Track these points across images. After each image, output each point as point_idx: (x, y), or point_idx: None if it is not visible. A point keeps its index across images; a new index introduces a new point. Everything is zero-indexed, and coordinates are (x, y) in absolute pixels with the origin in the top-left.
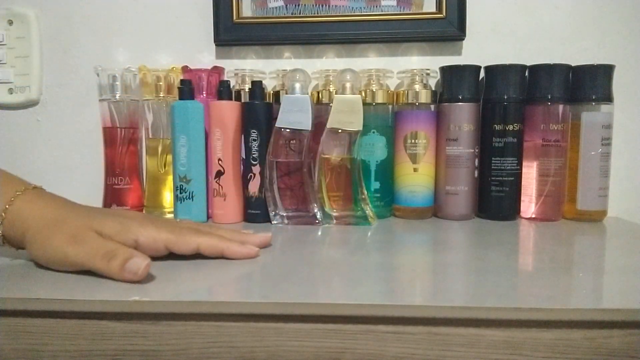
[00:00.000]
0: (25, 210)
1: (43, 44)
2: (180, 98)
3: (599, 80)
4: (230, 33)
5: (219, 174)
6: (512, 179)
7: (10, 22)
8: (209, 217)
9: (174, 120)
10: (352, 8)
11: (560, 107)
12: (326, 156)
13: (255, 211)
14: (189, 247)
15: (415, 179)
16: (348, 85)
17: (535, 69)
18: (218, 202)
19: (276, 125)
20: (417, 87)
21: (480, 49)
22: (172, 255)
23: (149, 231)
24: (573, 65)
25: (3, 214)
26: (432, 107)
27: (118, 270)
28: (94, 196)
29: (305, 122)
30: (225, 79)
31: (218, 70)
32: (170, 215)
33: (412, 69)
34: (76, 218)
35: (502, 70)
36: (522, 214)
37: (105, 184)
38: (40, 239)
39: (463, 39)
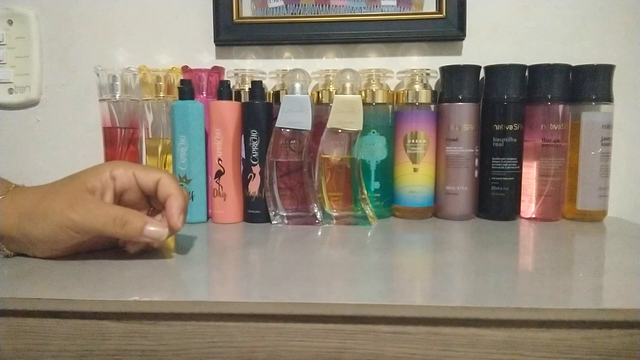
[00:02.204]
0: (14, 201)
1: (43, 44)
2: (180, 98)
3: (599, 80)
4: (230, 33)
5: (219, 174)
6: (512, 179)
7: (10, 22)
8: (209, 217)
9: (174, 120)
10: (352, 8)
11: (560, 107)
12: (326, 156)
13: (255, 211)
14: (153, 178)
15: (415, 179)
16: (348, 85)
17: (535, 69)
18: (218, 202)
19: (276, 125)
20: (417, 87)
21: (480, 49)
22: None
23: (121, 166)
24: (573, 65)
25: None
26: (432, 107)
27: (137, 234)
28: None
29: (305, 122)
30: (225, 79)
31: (218, 70)
32: None
33: (412, 69)
34: (65, 186)
35: (502, 70)
36: (522, 214)
37: None
38: (39, 213)
39: (463, 39)
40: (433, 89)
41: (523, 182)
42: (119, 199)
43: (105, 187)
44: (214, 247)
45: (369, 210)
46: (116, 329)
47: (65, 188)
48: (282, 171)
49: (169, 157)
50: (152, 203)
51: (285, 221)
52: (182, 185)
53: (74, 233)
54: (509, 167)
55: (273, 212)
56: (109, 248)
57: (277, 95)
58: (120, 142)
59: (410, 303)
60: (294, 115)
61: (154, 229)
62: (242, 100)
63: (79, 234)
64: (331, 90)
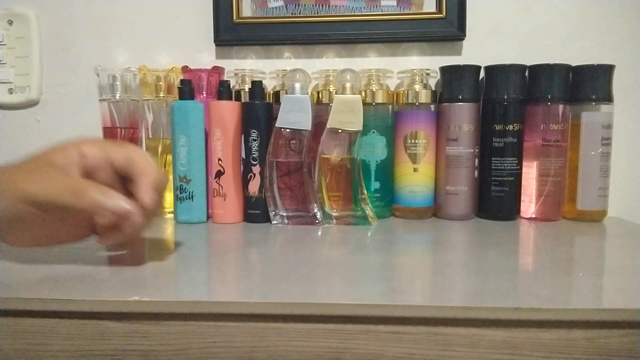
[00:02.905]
0: None
1: (43, 44)
2: (180, 98)
3: (599, 80)
4: (230, 33)
5: (219, 174)
6: (512, 179)
7: (10, 22)
8: (209, 217)
9: (174, 120)
10: (352, 8)
11: (560, 107)
12: (326, 156)
13: (255, 211)
14: (125, 154)
15: (415, 179)
16: (348, 85)
17: (535, 69)
18: (218, 202)
19: (276, 125)
20: (417, 87)
21: (480, 49)
22: (173, 257)
23: (91, 143)
24: (573, 65)
25: None
26: (432, 107)
27: (92, 204)
28: None
29: (305, 122)
30: (225, 79)
31: (218, 70)
32: (170, 216)
33: (412, 69)
34: (28, 163)
35: (502, 70)
36: (522, 214)
37: None
38: None
39: (463, 39)
40: (433, 89)
41: (523, 182)
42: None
43: (71, 163)
44: (214, 247)
45: (369, 210)
46: (116, 329)
47: (27, 164)
48: (282, 171)
49: (169, 157)
50: (128, 188)
51: (285, 221)
52: (182, 185)
53: (31, 208)
54: (509, 167)
55: (273, 212)
56: (91, 237)
57: (277, 95)
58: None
59: (410, 303)
60: (294, 115)
61: (114, 201)
62: (242, 100)
63: (36, 209)
64: (331, 90)
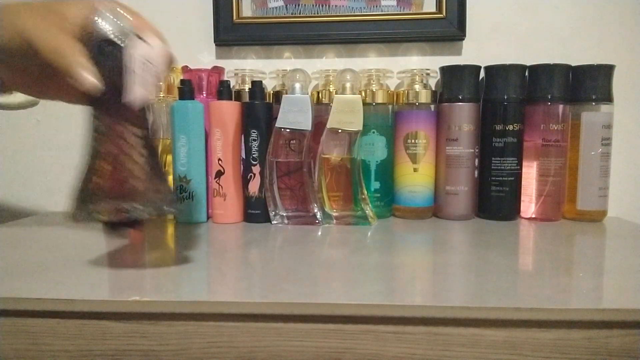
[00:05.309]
0: None
1: None
2: (180, 98)
3: (599, 80)
4: (230, 33)
5: (219, 174)
6: (512, 179)
7: None
8: (209, 217)
9: (174, 120)
10: (352, 8)
11: (560, 107)
12: (326, 156)
13: (255, 211)
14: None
15: (415, 179)
16: (348, 85)
17: (535, 69)
18: (218, 202)
19: (276, 125)
20: (417, 87)
21: (480, 49)
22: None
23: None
24: (573, 65)
25: None
26: (432, 107)
27: (69, 69)
28: None
29: (305, 122)
30: (225, 79)
31: (218, 70)
32: (170, 216)
33: (412, 69)
34: (48, 10)
35: (502, 70)
36: (522, 214)
37: None
38: (6, 14)
39: (463, 39)
40: (433, 89)
41: (523, 182)
42: None
43: (76, 22)
44: (214, 247)
45: (369, 210)
46: (116, 329)
47: (39, 6)
48: (282, 171)
49: (169, 157)
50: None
51: (285, 221)
52: (182, 185)
53: (25, 45)
54: (509, 167)
55: (273, 212)
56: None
57: (277, 95)
58: None
59: (410, 303)
60: (294, 116)
61: (89, 75)
62: (242, 100)
63: (29, 50)
64: (331, 90)
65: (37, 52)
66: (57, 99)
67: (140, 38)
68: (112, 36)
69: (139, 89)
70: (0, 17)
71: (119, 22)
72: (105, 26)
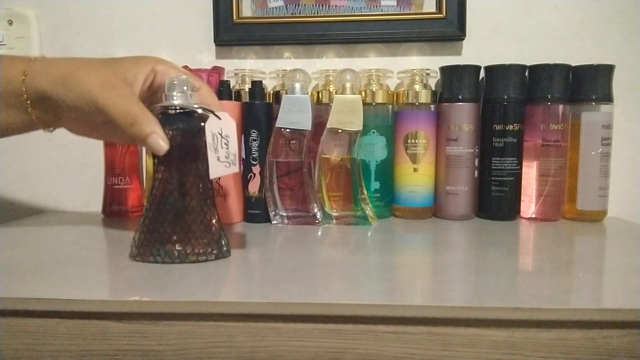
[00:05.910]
0: (46, 65)
1: (43, 44)
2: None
3: (599, 80)
4: (230, 33)
5: None
6: (512, 179)
7: (10, 22)
8: None
9: None
10: (352, 8)
11: (560, 107)
12: (326, 156)
13: (255, 211)
14: (197, 82)
15: (415, 179)
16: (348, 85)
17: (535, 69)
18: (218, 202)
19: (276, 125)
20: (417, 87)
21: (480, 49)
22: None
23: (165, 63)
24: (573, 65)
25: (24, 76)
26: (432, 107)
27: (141, 138)
28: (94, 196)
29: (305, 122)
30: (225, 79)
31: (218, 70)
32: None
33: (412, 69)
34: (102, 66)
35: (502, 70)
36: (522, 214)
37: (105, 184)
38: (72, 81)
39: (463, 39)
40: (433, 89)
41: (523, 182)
42: (153, 95)
43: (140, 79)
44: None
45: (369, 210)
46: (116, 329)
47: (103, 68)
48: (282, 171)
49: None
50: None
51: (285, 221)
52: None
53: (97, 111)
54: (509, 167)
55: (273, 212)
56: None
57: (277, 95)
58: None
59: (410, 303)
60: (294, 115)
61: (158, 141)
62: (242, 100)
63: (101, 114)
64: (331, 90)
65: (104, 113)
66: (111, 140)
67: (207, 110)
68: (175, 102)
69: (219, 165)
70: (68, 79)
71: (183, 91)
72: (170, 94)
